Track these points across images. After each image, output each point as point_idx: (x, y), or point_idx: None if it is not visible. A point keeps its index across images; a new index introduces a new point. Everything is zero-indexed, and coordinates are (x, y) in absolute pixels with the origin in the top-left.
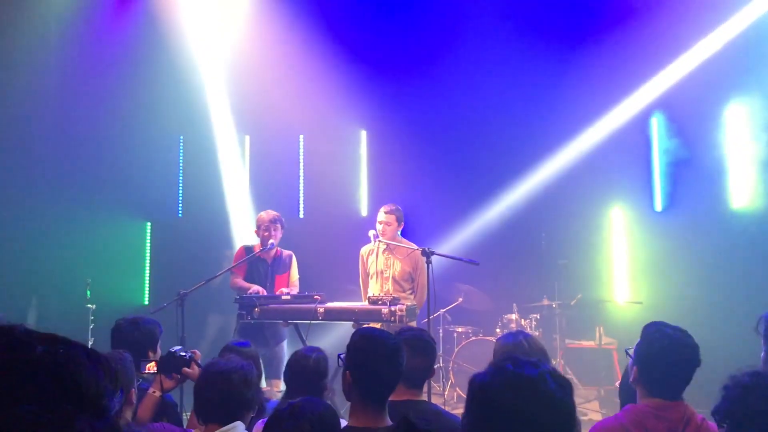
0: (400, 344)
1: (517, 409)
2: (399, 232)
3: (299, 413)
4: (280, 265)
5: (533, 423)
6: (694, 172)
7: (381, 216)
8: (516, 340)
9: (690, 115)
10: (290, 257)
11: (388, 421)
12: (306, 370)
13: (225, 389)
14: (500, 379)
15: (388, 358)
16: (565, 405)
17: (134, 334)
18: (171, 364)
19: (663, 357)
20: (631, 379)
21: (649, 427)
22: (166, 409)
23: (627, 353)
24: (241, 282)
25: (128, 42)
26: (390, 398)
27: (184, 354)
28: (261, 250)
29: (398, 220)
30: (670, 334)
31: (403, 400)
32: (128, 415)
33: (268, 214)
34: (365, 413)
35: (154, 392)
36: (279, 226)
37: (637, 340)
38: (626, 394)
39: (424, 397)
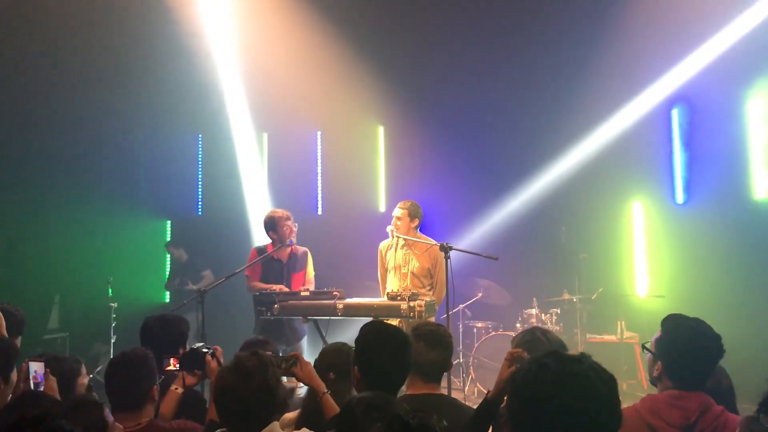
0: (407, 339)
1: (562, 406)
2: (417, 228)
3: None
4: (296, 263)
5: (578, 420)
6: (715, 163)
7: (395, 211)
8: (533, 336)
9: (712, 105)
10: (305, 254)
11: None
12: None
13: (246, 402)
14: (544, 376)
15: (395, 353)
16: (609, 400)
17: (163, 332)
18: (193, 361)
19: (689, 348)
20: (654, 374)
21: (663, 415)
22: (193, 403)
23: (645, 348)
24: (258, 284)
25: (147, 41)
26: (408, 392)
27: (206, 350)
28: (279, 247)
29: (411, 216)
30: (693, 326)
31: (420, 393)
32: (150, 411)
33: (278, 211)
34: None
35: (176, 389)
36: (293, 221)
37: (656, 334)
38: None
39: (444, 392)
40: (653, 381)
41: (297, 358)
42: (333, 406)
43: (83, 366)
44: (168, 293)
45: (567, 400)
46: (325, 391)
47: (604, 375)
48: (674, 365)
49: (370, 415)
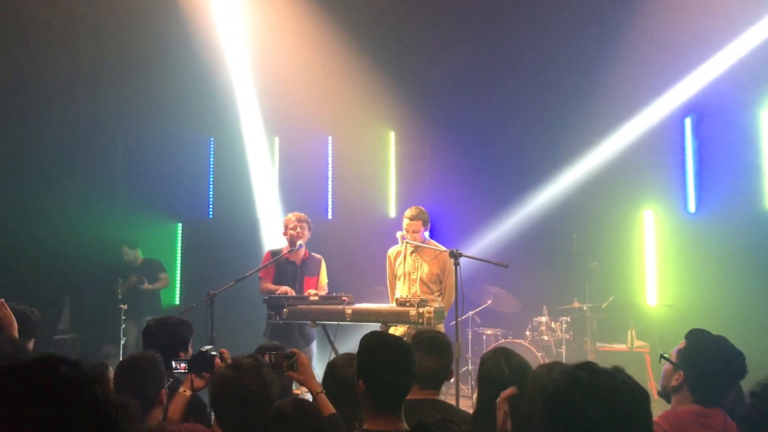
0: (409, 348)
1: (593, 421)
2: (427, 234)
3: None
4: (309, 268)
5: None
6: (728, 173)
7: (406, 223)
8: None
9: (725, 115)
10: (320, 261)
11: (405, 425)
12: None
13: (242, 398)
14: (576, 389)
15: (398, 362)
16: (641, 416)
17: (164, 335)
18: (201, 363)
19: (717, 365)
20: (673, 384)
21: None
22: (194, 408)
23: (664, 358)
24: (270, 285)
25: (160, 44)
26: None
27: (214, 353)
28: (289, 251)
29: (425, 223)
30: (720, 342)
31: (415, 399)
32: (159, 414)
33: (296, 215)
34: (381, 418)
35: (184, 391)
36: (306, 226)
37: (673, 343)
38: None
39: (450, 400)
40: (666, 392)
41: (296, 355)
42: (328, 406)
43: (111, 369)
44: (178, 296)
45: (598, 416)
46: (320, 390)
47: (636, 390)
48: (699, 380)
49: (278, 423)
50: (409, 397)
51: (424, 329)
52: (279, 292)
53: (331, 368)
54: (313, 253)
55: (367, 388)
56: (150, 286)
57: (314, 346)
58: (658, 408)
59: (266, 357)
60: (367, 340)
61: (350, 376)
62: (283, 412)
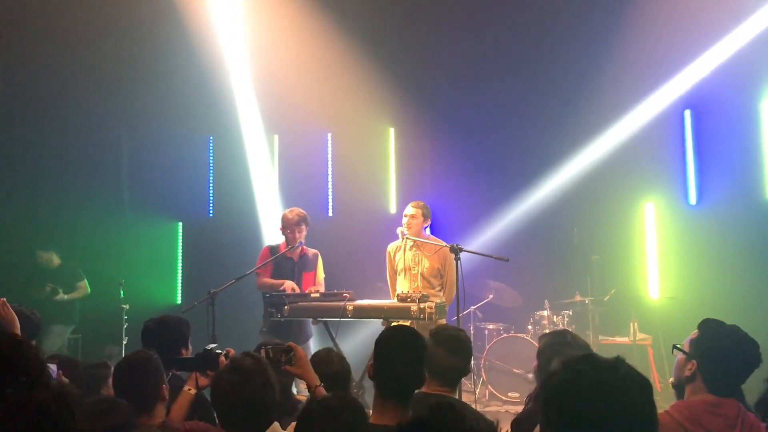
0: (424, 344)
1: (598, 415)
2: (428, 230)
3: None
4: (306, 263)
5: (615, 427)
6: (728, 164)
7: (408, 209)
8: (564, 339)
9: (724, 106)
10: (316, 256)
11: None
12: (330, 372)
13: (248, 402)
14: (580, 383)
15: (409, 356)
16: (646, 408)
17: (164, 334)
18: (206, 362)
19: (732, 354)
20: (686, 374)
21: (705, 424)
22: (200, 406)
23: (677, 348)
24: (269, 280)
25: (158, 44)
26: (422, 390)
27: (219, 351)
28: (287, 249)
29: (424, 216)
30: (735, 332)
31: (432, 392)
32: (162, 411)
33: (293, 213)
34: (385, 409)
35: (189, 390)
36: (304, 225)
37: (675, 335)
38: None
39: (455, 395)
40: (680, 383)
41: (294, 349)
42: None
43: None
44: (180, 295)
45: (603, 410)
46: (318, 384)
47: (639, 381)
48: (712, 369)
49: (325, 417)
50: (425, 390)
51: (444, 325)
52: (283, 287)
53: (312, 362)
54: (309, 249)
55: (374, 373)
56: (66, 297)
57: (311, 343)
58: (662, 401)
59: (263, 352)
60: (386, 329)
61: (329, 371)
62: (330, 407)
